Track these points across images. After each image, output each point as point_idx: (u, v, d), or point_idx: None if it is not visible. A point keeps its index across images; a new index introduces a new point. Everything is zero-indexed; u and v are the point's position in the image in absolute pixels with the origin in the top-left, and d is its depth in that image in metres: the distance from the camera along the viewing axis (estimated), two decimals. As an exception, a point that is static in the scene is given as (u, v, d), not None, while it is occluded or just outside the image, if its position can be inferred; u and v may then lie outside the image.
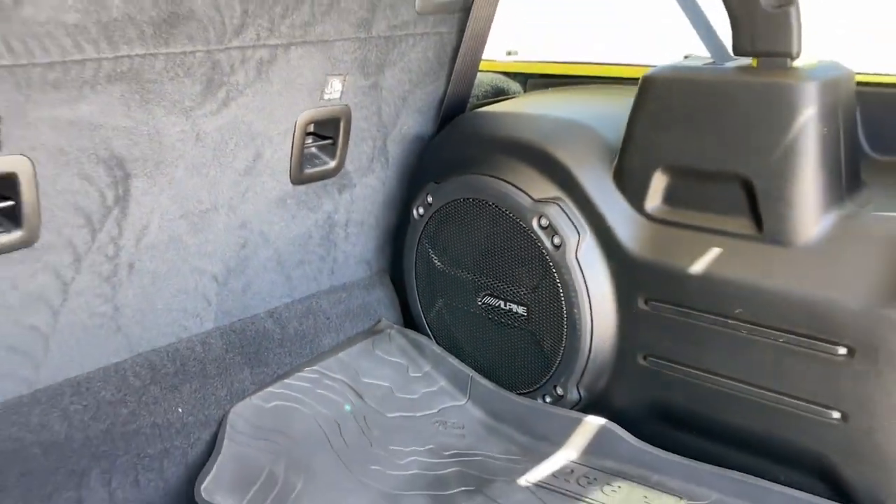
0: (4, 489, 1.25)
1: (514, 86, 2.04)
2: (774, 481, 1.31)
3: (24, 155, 1.16)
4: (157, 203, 1.37)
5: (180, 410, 1.47)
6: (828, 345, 1.23)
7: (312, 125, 1.58)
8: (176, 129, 1.33)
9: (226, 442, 1.46)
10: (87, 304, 1.35)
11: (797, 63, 1.28)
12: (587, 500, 1.37)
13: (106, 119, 1.23)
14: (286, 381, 1.61)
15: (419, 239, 1.75)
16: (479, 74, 1.86)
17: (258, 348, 1.62)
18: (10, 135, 1.13)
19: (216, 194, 1.47)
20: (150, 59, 1.23)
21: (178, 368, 1.50)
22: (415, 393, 1.68)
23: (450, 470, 1.49)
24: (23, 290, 1.26)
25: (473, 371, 1.67)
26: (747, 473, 1.33)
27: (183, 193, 1.41)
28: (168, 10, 1.21)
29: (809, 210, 1.25)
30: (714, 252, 1.34)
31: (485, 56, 1.81)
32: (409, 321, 1.86)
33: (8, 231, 1.20)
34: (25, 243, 1.22)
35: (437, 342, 1.76)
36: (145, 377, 1.45)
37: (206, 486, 1.37)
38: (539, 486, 1.42)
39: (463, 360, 1.70)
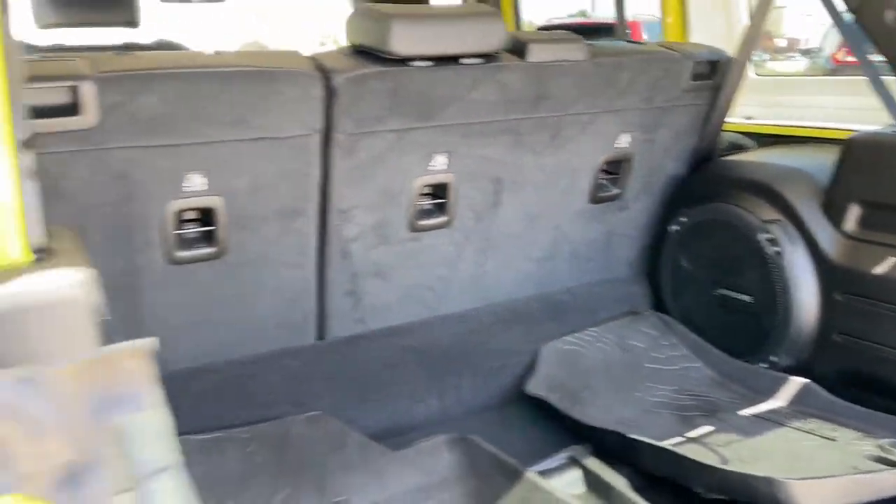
0: (423, 367, 2.13)
1: (750, 142, 2.69)
2: None
3: (453, 173, 2.05)
4: (513, 208, 2.22)
5: (513, 342, 2.29)
6: None
7: (606, 164, 2.36)
8: (530, 163, 2.17)
9: (540, 364, 2.25)
10: (468, 266, 2.22)
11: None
12: (788, 426, 1.98)
13: (496, 155, 2.10)
14: (576, 335, 2.37)
15: (672, 248, 2.46)
16: (723, 133, 2.54)
17: (557, 312, 2.41)
18: (454, 162, 2.02)
19: (544, 205, 2.29)
20: (525, 120, 2.08)
21: (510, 316, 2.32)
22: (663, 354, 2.37)
23: (689, 402, 2.16)
24: (440, 252, 2.15)
25: (707, 343, 2.33)
26: None
27: (527, 203, 2.24)
28: (537, 93, 2.06)
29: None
30: (890, 260, 1.93)
31: (729, 119, 2.50)
32: (660, 308, 2.56)
33: (439, 217, 2.09)
34: (446, 225, 2.11)
35: (681, 324, 2.45)
36: (492, 318, 2.29)
37: (530, 385, 2.17)
38: (754, 416, 2.06)
39: (699, 336, 2.37)
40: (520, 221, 2.27)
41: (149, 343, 0.77)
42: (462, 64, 1.91)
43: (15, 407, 0.68)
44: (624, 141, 2.32)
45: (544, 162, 2.20)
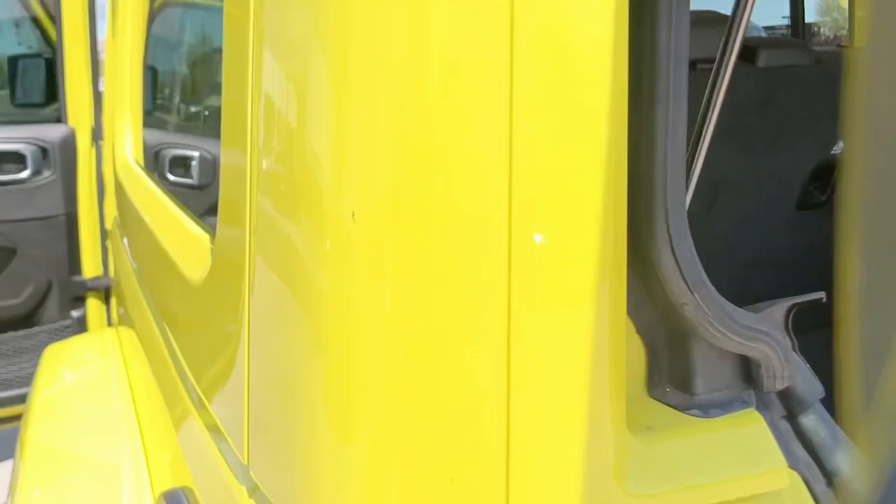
0: None
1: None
2: None
3: None
4: (724, 211, 2.22)
5: None
6: None
7: (817, 171, 2.32)
8: (747, 167, 2.17)
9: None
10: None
11: None
12: None
13: (718, 158, 2.08)
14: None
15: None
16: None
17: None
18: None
19: (753, 210, 2.28)
20: (750, 124, 2.08)
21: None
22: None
23: None
24: None
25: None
26: None
27: (738, 207, 2.24)
28: (764, 98, 2.06)
29: None
30: None
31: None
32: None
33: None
34: None
35: None
36: None
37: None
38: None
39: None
40: (729, 225, 2.27)
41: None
42: (697, 69, 1.93)
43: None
44: (839, 147, 2.29)
45: (761, 166, 2.19)
